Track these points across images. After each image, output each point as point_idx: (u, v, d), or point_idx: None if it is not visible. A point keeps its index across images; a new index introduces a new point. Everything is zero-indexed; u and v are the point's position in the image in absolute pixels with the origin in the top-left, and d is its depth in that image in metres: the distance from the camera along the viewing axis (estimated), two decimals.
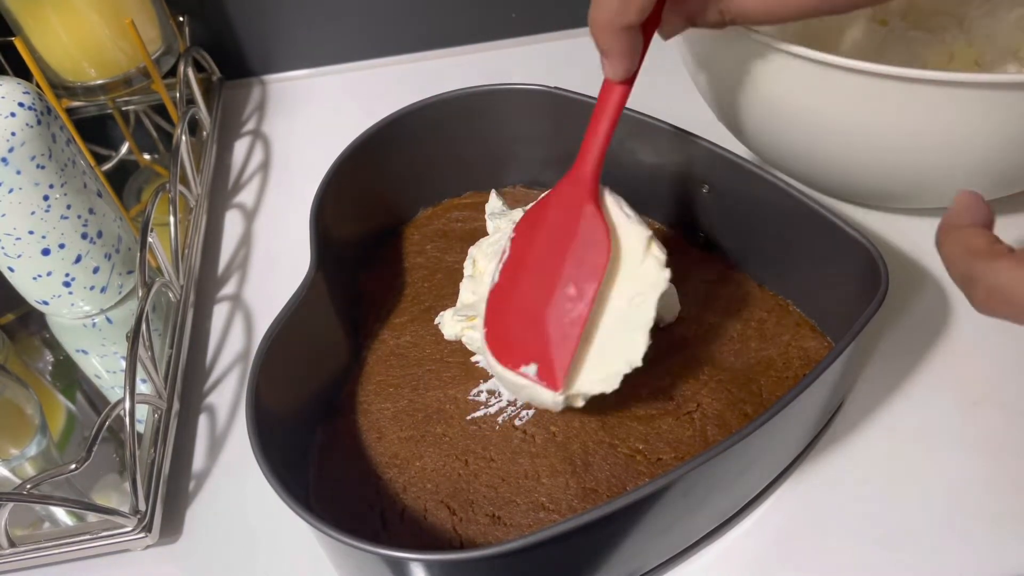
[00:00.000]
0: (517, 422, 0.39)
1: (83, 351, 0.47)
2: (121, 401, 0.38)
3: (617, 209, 0.36)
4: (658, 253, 0.35)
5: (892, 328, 0.45)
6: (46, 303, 0.46)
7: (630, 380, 0.35)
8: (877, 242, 0.43)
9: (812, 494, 0.39)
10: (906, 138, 0.40)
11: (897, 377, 0.43)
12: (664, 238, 0.48)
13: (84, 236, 0.44)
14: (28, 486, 0.36)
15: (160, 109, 0.62)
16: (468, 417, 0.39)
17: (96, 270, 0.46)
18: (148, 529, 0.38)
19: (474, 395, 0.40)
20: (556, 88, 0.46)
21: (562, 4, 0.66)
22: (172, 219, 0.47)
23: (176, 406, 0.43)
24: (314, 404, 0.41)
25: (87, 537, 0.38)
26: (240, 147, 0.61)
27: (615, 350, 0.35)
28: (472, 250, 0.44)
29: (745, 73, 0.43)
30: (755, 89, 0.43)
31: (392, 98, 0.49)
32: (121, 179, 0.58)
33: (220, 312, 0.50)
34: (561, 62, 0.65)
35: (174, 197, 0.48)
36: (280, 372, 0.36)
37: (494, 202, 0.48)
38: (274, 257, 0.53)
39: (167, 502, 0.41)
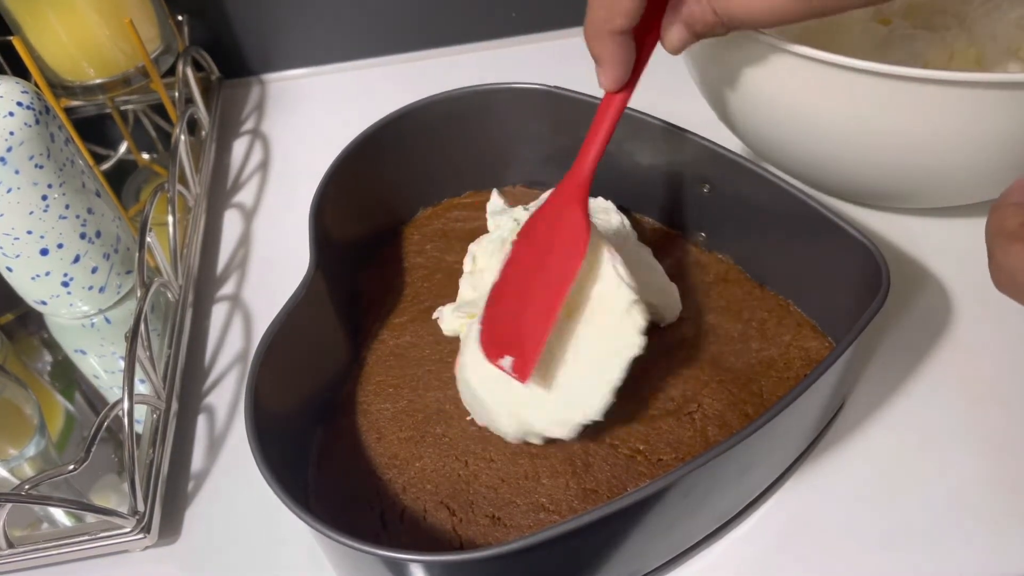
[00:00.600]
0: None
1: (82, 351, 0.47)
2: (120, 401, 0.37)
3: (610, 266, 0.36)
4: (639, 319, 0.35)
5: (893, 328, 0.45)
6: (44, 303, 0.46)
7: (630, 381, 0.35)
8: (878, 242, 0.43)
9: (813, 494, 0.39)
10: (906, 137, 0.40)
11: (898, 377, 0.43)
12: (664, 238, 0.47)
13: (83, 236, 0.44)
14: (27, 487, 0.36)
15: (159, 108, 0.62)
16: (468, 417, 0.39)
17: (95, 270, 0.46)
18: (147, 530, 0.38)
19: None
20: (556, 88, 0.46)
21: (562, 4, 0.65)
22: (171, 219, 0.47)
23: (175, 406, 0.43)
24: (314, 404, 0.40)
25: (86, 538, 0.38)
26: (239, 147, 0.61)
27: (578, 398, 0.35)
28: (472, 247, 0.44)
29: (746, 72, 0.43)
30: (755, 88, 0.43)
31: (392, 98, 0.49)
32: (120, 179, 0.58)
33: (219, 312, 0.50)
34: (561, 62, 0.65)
35: (173, 197, 0.48)
36: (279, 372, 0.36)
37: (496, 201, 0.48)
38: (273, 257, 0.53)
39: (166, 502, 0.41)
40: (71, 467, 0.36)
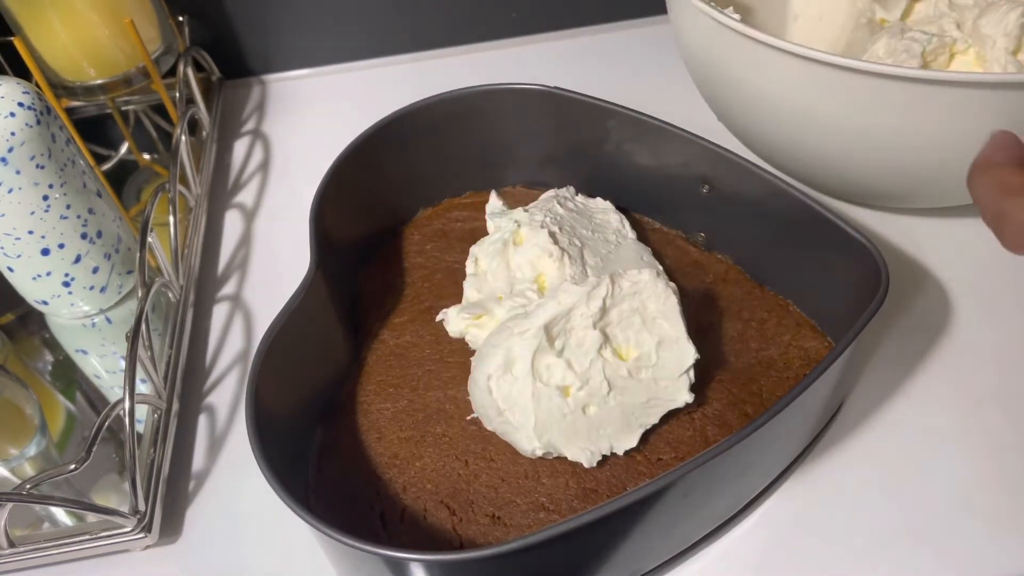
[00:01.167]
0: None
1: (83, 351, 0.47)
2: (121, 401, 0.37)
3: (680, 319, 0.37)
4: (692, 376, 0.37)
5: (893, 328, 0.45)
6: (45, 303, 0.46)
7: None
8: (877, 242, 0.43)
9: (812, 494, 0.39)
10: (904, 137, 0.40)
11: (897, 377, 0.43)
12: (664, 238, 0.48)
13: (84, 236, 0.44)
14: (28, 486, 0.36)
15: (160, 109, 0.62)
16: (468, 417, 0.39)
17: (96, 270, 0.46)
18: (148, 529, 0.38)
19: None
20: (556, 88, 0.46)
21: (562, 4, 0.66)
22: (172, 219, 0.47)
23: (176, 406, 0.43)
24: (314, 404, 0.40)
25: (87, 537, 0.38)
26: (240, 147, 0.61)
27: (611, 433, 0.36)
28: (474, 249, 0.44)
29: (742, 72, 0.44)
30: (753, 89, 0.43)
31: (392, 98, 0.49)
32: (121, 179, 0.58)
33: (220, 312, 0.50)
34: (561, 62, 0.65)
35: (174, 197, 0.48)
36: (280, 372, 0.36)
37: (494, 202, 0.48)
38: (274, 257, 0.53)
39: (167, 502, 0.41)
40: (72, 467, 0.36)
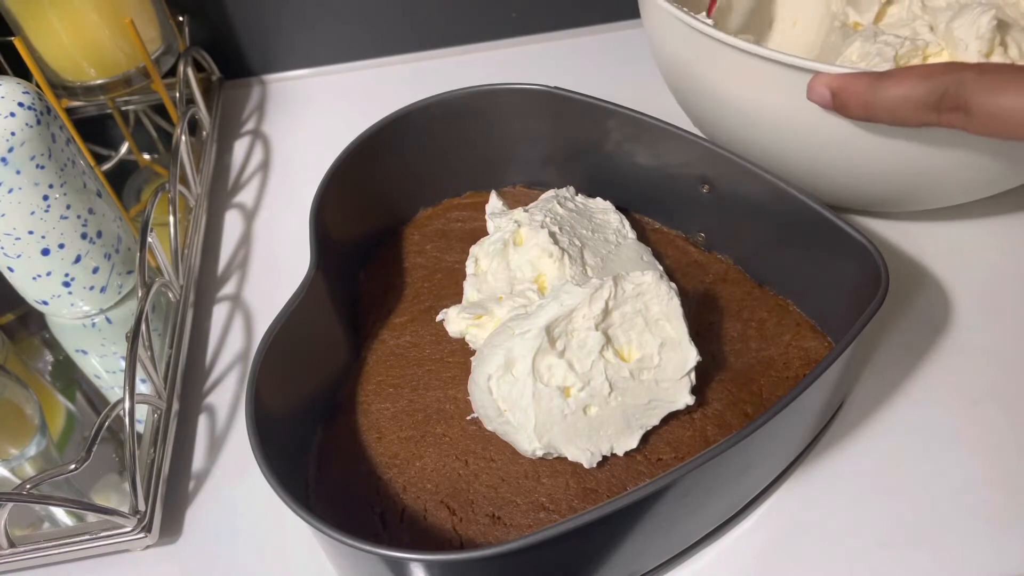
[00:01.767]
0: None
1: (83, 351, 0.47)
2: (121, 401, 0.37)
3: (682, 323, 0.37)
4: (693, 379, 0.37)
5: (892, 328, 0.45)
6: (46, 303, 0.46)
7: None
8: (877, 242, 0.43)
9: (812, 494, 0.39)
10: (882, 141, 0.40)
11: (897, 377, 0.43)
12: (664, 238, 0.48)
13: (84, 236, 0.44)
14: (28, 486, 0.36)
15: (160, 109, 0.62)
16: (468, 417, 0.39)
17: (96, 270, 0.46)
18: (148, 529, 0.38)
19: None
20: (556, 88, 0.46)
21: (562, 4, 0.66)
22: (172, 219, 0.47)
23: (176, 406, 0.43)
24: (314, 404, 0.40)
25: (87, 537, 0.38)
26: (240, 147, 0.61)
27: (611, 434, 0.37)
28: (474, 249, 0.44)
29: (716, 78, 0.44)
30: (726, 94, 0.44)
31: (392, 98, 0.49)
32: (121, 179, 0.58)
33: (220, 312, 0.50)
34: (561, 62, 0.65)
35: (174, 197, 0.48)
36: (280, 372, 0.36)
37: (494, 202, 0.48)
38: (274, 257, 0.53)
39: (167, 502, 0.41)
40: (72, 467, 0.36)
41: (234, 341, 0.48)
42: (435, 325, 0.43)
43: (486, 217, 0.47)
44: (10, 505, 0.36)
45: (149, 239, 0.44)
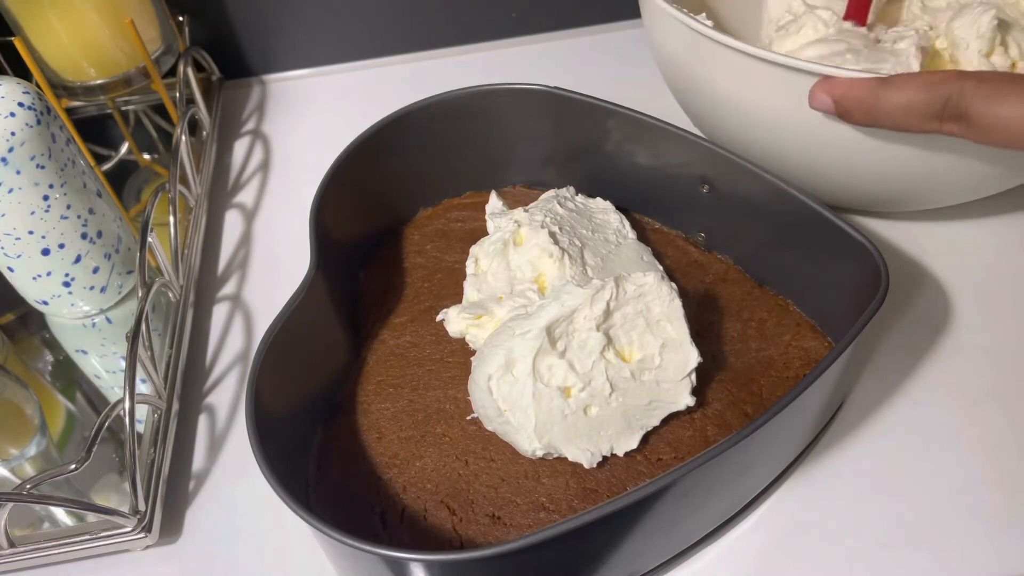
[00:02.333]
0: None
1: (83, 351, 0.47)
2: (121, 401, 0.37)
3: (684, 324, 0.37)
4: (694, 380, 0.37)
5: (892, 328, 0.45)
6: (46, 303, 0.46)
7: None
8: (877, 242, 0.43)
9: (812, 494, 0.39)
10: (884, 143, 0.40)
11: (897, 377, 0.43)
12: (664, 238, 0.48)
13: (84, 236, 0.44)
14: (28, 486, 0.36)
15: (160, 109, 0.62)
16: (468, 417, 0.39)
17: (96, 270, 0.46)
18: (148, 529, 0.38)
19: None
20: (556, 88, 0.46)
21: (562, 4, 0.66)
22: (172, 219, 0.47)
23: (176, 406, 0.43)
24: (314, 404, 0.41)
25: (87, 537, 0.38)
26: (240, 147, 0.61)
27: (612, 434, 0.37)
28: (474, 249, 0.44)
29: (716, 80, 0.43)
30: (727, 96, 0.44)
31: (392, 98, 0.49)
32: (121, 179, 0.58)
33: (220, 312, 0.50)
34: (561, 62, 0.65)
35: (174, 197, 0.48)
36: (280, 372, 0.36)
37: (494, 202, 0.48)
38: (274, 257, 0.53)
39: (167, 502, 0.41)
40: (72, 467, 0.36)
41: (234, 341, 0.48)
42: (435, 325, 0.43)
43: (486, 217, 0.47)
44: (10, 505, 0.36)
45: (149, 239, 0.44)
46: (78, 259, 0.45)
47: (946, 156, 0.40)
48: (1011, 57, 0.44)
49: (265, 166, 0.59)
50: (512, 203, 0.48)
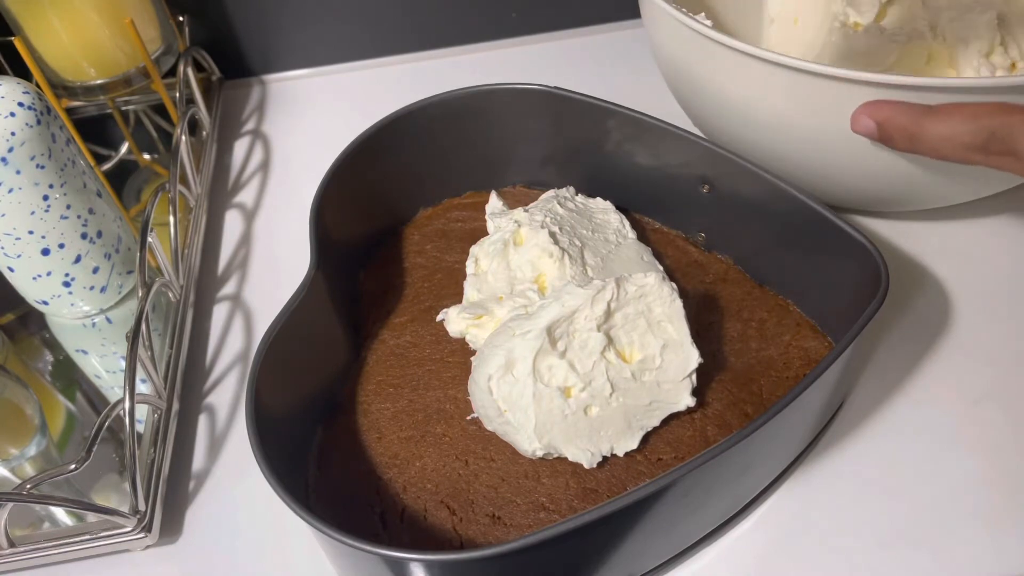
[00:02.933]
0: None
1: (83, 351, 0.47)
2: (121, 401, 0.37)
3: (684, 324, 0.37)
4: (694, 380, 0.37)
5: (892, 328, 0.45)
6: (46, 303, 0.46)
7: None
8: (877, 242, 0.43)
9: (812, 494, 0.39)
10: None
11: (897, 377, 0.43)
12: (664, 238, 0.48)
13: (84, 236, 0.44)
14: (28, 486, 0.36)
15: (160, 109, 0.62)
16: (468, 417, 0.39)
17: (96, 270, 0.46)
18: (148, 529, 0.38)
19: None
20: (556, 88, 0.46)
21: (562, 4, 0.66)
22: (172, 219, 0.47)
23: (176, 406, 0.43)
24: (314, 404, 0.41)
25: (87, 537, 0.38)
26: (240, 147, 0.61)
27: (612, 434, 0.37)
28: (474, 249, 0.44)
29: (716, 79, 0.43)
30: (726, 95, 0.43)
31: (392, 98, 0.49)
32: (121, 179, 0.58)
33: (220, 312, 0.50)
34: (561, 62, 0.65)
35: (174, 197, 0.48)
36: (280, 372, 0.36)
37: (494, 202, 0.48)
38: (274, 257, 0.53)
39: (167, 502, 0.41)
40: (72, 466, 0.36)
41: (234, 341, 0.48)
42: (435, 325, 0.43)
43: (486, 217, 0.47)
44: (10, 505, 0.36)
45: (149, 239, 0.44)
46: (78, 259, 0.45)
47: None
48: (1011, 57, 0.44)
49: (265, 166, 0.59)
50: (512, 203, 0.48)
